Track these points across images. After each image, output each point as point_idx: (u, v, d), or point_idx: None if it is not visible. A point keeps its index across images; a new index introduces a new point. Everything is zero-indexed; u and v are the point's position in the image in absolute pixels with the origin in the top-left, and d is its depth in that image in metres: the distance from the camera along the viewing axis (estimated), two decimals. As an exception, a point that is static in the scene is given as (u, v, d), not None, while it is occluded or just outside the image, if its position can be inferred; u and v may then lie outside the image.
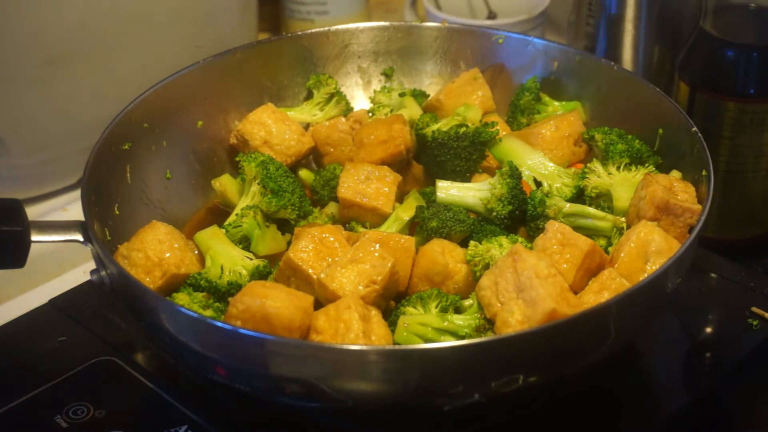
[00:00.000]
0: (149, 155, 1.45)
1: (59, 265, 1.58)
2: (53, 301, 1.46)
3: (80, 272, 1.56)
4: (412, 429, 1.27)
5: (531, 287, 1.17)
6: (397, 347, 1.15)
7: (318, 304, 1.23)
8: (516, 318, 1.17)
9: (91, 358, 1.36)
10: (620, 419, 1.31)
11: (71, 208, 1.66)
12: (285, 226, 1.41)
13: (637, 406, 1.30)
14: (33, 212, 1.66)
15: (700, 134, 1.34)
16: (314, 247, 1.29)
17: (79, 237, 1.27)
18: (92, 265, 1.27)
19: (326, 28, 1.60)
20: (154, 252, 1.30)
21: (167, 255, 1.30)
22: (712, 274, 1.46)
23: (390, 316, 1.27)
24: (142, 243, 1.30)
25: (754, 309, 1.40)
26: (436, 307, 1.25)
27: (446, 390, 1.13)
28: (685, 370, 1.37)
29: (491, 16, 1.96)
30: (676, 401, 1.31)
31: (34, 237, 1.25)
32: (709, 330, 1.41)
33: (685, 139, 1.36)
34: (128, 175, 1.41)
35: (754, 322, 1.39)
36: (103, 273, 1.25)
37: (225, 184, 1.46)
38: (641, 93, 1.45)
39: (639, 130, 1.44)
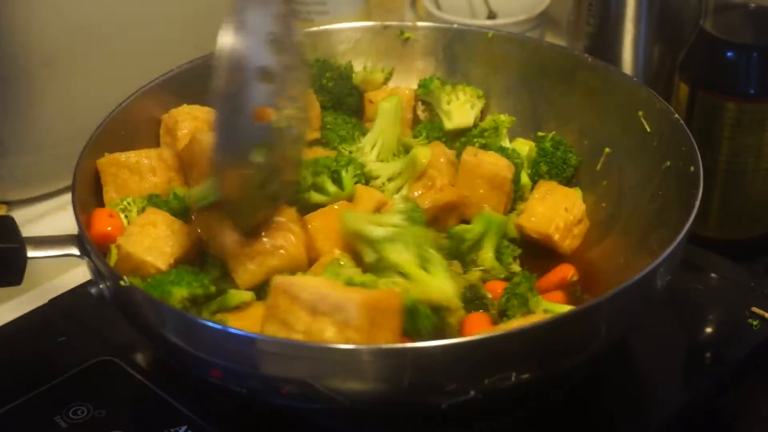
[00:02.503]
0: None
1: (59, 265, 1.58)
2: (53, 301, 1.46)
3: (80, 272, 1.55)
4: (412, 428, 1.27)
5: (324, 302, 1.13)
6: (389, 346, 1.15)
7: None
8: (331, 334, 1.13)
9: (91, 358, 1.36)
10: (619, 419, 1.31)
11: (71, 208, 1.66)
12: None
13: (636, 406, 1.30)
14: (33, 212, 1.66)
15: (683, 122, 1.34)
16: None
17: (75, 251, 1.26)
18: (92, 264, 1.27)
19: (311, 30, 1.59)
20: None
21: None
22: (712, 274, 1.46)
23: None
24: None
25: (754, 309, 1.40)
26: None
27: (440, 388, 1.12)
28: (685, 369, 1.37)
29: (491, 16, 1.96)
30: (676, 401, 1.31)
31: (30, 253, 1.24)
32: (709, 330, 1.41)
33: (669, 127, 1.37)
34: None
35: (754, 322, 1.39)
36: (102, 286, 1.24)
37: None
38: (620, 85, 1.46)
39: (622, 124, 1.46)
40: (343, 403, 1.15)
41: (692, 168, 1.31)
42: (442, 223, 1.40)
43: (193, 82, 1.49)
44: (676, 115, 1.35)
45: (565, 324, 1.13)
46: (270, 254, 1.26)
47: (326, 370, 1.11)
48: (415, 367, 1.10)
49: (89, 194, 1.35)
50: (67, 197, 1.68)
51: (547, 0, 1.89)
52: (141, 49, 1.65)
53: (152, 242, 1.29)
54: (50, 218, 1.65)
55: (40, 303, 1.46)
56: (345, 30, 1.60)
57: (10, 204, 1.68)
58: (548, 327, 1.12)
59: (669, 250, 1.19)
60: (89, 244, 1.23)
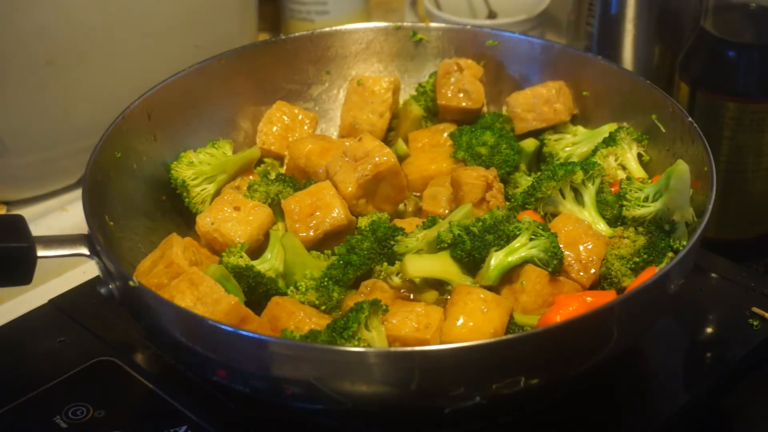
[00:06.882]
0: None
1: (59, 265, 1.58)
2: (53, 301, 1.46)
3: (80, 272, 1.56)
4: (414, 430, 1.27)
5: None
6: (397, 349, 1.15)
7: None
8: None
9: (91, 358, 1.36)
10: (620, 419, 1.31)
11: (71, 208, 1.66)
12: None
13: (637, 406, 1.30)
14: (33, 212, 1.66)
15: (695, 125, 1.34)
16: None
17: (85, 251, 1.26)
18: (92, 265, 1.27)
19: (310, 32, 1.59)
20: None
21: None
22: (712, 274, 1.46)
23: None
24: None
25: (754, 309, 1.40)
26: None
27: (447, 392, 1.12)
28: (685, 370, 1.37)
29: (491, 15, 1.96)
30: (676, 401, 1.31)
31: (39, 252, 1.24)
32: (709, 330, 1.41)
33: (682, 132, 1.37)
34: (128, 183, 1.40)
35: (754, 322, 1.39)
36: (111, 286, 1.24)
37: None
38: (633, 87, 1.46)
39: (634, 126, 1.45)
40: (346, 404, 1.15)
41: (705, 168, 1.30)
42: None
43: (191, 87, 1.50)
44: (690, 119, 1.35)
45: (578, 327, 1.12)
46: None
47: (333, 372, 1.11)
48: (423, 370, 1.10)
49: (99, 194, 1.34)
50: (67, 197, 1.69)
51: (547, 0, 1.89)
52: (141, 50, 1.65)
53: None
54: (50, 218, 1.65)
55: (40, 303, 1.46)
56: (358, 31, 1.60)
57: (10, 204, 1.68)
58: (560, 330, 1.12)
59: (682, 252, 1.19)
60: (99, 243, 1.23)
